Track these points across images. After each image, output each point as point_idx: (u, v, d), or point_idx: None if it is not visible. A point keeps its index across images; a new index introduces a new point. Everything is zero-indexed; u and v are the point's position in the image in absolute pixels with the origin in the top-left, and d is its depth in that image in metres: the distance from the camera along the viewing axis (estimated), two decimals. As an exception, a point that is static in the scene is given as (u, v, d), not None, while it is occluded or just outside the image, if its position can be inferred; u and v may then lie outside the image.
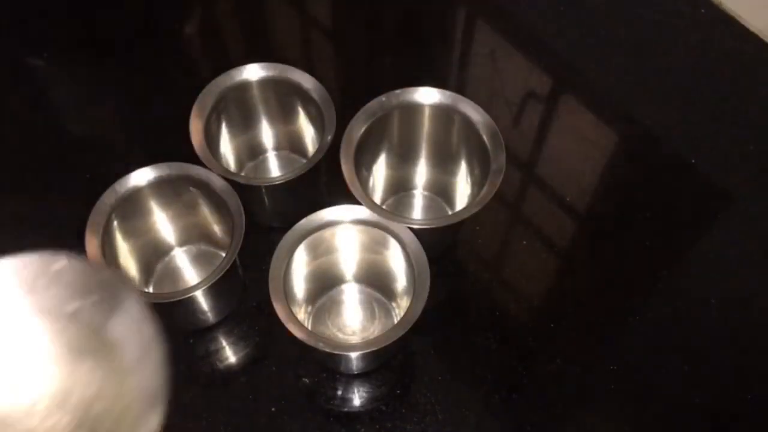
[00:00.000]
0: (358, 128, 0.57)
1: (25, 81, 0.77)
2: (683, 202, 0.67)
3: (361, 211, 0.54)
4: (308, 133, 0.65)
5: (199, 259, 0.62)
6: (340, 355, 0.53)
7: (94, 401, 0.36)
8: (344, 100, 0.68)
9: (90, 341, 0.37)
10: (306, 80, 0.60)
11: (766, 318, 0.60)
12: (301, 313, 0.57)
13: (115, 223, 0.55)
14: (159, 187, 0.56)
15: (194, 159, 0.56)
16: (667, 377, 0.57)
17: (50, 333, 0.37)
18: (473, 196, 0.58)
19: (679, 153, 0.70)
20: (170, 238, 0.61)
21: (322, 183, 0.64)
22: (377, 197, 0.64)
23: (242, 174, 0.66)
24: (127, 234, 0.56)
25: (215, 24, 0.83)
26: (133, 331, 0.37)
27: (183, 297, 0.52)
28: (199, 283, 0.52)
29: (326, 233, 0.54)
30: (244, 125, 0.65)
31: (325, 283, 0.60)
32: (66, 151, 0.70)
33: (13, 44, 0.79)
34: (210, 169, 0.55)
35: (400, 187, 0.66)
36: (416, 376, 0.57)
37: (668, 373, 0.57)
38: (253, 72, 0.61)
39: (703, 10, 0.79)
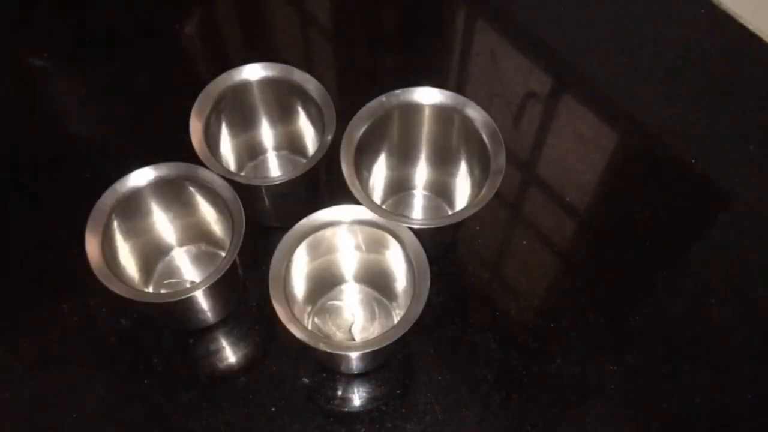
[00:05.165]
0: (358, 128, 0.57)
1: (25, 81, 0.77)
2: (683, 202, 0.67)
3: (361, 211, 0.54)
4: (308, 133, 0.65)
5: (199, 259, 0.62)
6: (340, 355, 0.53)
7: None
8: (344, 100, 0.68)
9: None
10: (306, 80, 0.60)
11: (766, 318, 0.61)
12: (302, 313, 0.57)
13: (115, 223, 0.55)
14: (159, 187, 0.56)
15: (194, 159, 0.56)
16: (667, 377, 0.57)
17: None
18: (473, 196, 0.58)
19: (679, 153, 0.70)
20: (170, 238, 0.61)
21: (322, 183, 0.64)
22: (377, 197, 0.64)
23: (242, 174, 0.66)
24: (127, 234, 0.56)
25: (215, 24, 0.83)
26: None
27: (183, 297, 0.52)
28: (199, 283, 0.52)
29: (326, 233, 0.54)
30: (244, 125, 0.65)
31: (325, 283, 0.60)
32: (66, 151, 0.70)
33: (13, 44, 0.79)
34: (210, 169, 0.55)
35: (400, 187, 0.66)
36: (416, 376, 0.57)
37: (668, 373, 0.57)
38: (253, 72, 0.61)
39: (703, 10, 0.79)
